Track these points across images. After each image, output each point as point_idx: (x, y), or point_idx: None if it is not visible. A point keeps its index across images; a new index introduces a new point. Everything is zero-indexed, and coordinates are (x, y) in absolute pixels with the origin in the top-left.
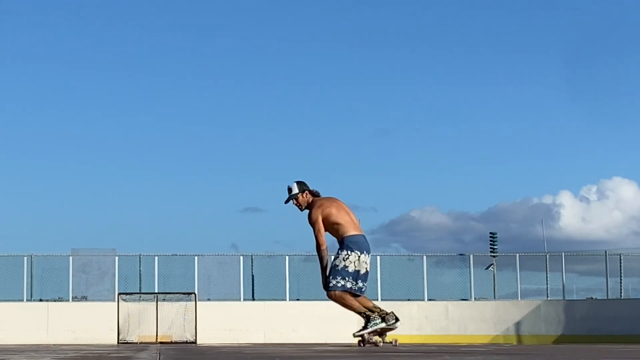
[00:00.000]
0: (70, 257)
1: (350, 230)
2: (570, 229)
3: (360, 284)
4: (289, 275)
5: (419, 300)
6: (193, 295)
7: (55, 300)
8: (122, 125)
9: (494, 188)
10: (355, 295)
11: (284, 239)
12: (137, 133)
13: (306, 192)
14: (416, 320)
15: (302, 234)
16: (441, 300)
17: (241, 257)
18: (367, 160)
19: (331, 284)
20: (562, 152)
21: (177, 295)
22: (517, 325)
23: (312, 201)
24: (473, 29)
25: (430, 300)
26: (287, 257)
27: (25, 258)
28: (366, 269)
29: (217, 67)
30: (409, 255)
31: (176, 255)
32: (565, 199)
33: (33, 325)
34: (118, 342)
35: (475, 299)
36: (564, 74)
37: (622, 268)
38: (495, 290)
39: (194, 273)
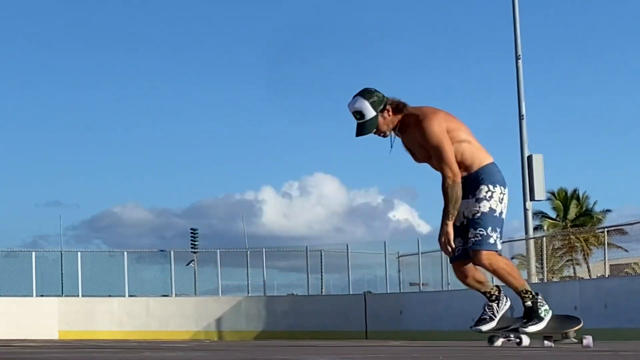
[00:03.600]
0: None
1: (487, 157)
2: (272, 225)
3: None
4: None
5: (120, 296)
6: None
7: None
8: None
9: (196, 184)
10: None
11: None
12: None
13: (388, 108)
14: (117, 317)
15: None
16: (142, 296)
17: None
18: (69, 156)
19: (491, 240)
20: (264, 148)
21: None
22: (218, 321)
23: (408, 114)
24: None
25: (131, 296)
26: None
27: None
28: None
29: None
30: (109, 252)
31: None
32: (267, 194)
33: None
34: None
35: (176, 295)
36: (264, 73)
37: (322, 264)
38: (197, 286)
39: None
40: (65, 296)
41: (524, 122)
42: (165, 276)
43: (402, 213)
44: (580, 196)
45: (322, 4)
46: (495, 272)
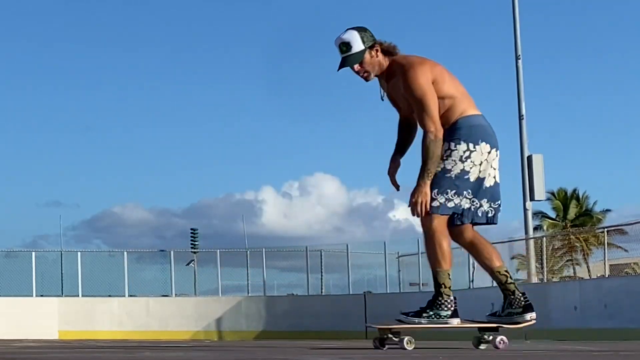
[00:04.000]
0: None
1: (470, 109)
2: (272, 225)
3: (484, 205)
4: None
5: (120, 296)
6: None
7: None
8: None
9: (196, 184)
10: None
11: None
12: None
13: (377, 48)
14: (117, 317)
15: None
16: (142, 296)
17: None
18: (69, 156)
19: (435, 203)
20: (264, 148)
21: None
22: (218, 321)
23: (395, 61)
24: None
25: (131, 296)
26: None
27: None
28: (495, 178)
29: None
30: (109, 252)
31: None
32: (268, 194)
33: None
34: None
35: (176, 295)
36: (264, 73)
37: (322, 264)
38: (196, 286)
39: None
40: (65, 296)
41: (524, 122)
42: (165, 276)
43: (402, 213)
44: (580, 196)
45: (322, 4)
46: (424, 236)
